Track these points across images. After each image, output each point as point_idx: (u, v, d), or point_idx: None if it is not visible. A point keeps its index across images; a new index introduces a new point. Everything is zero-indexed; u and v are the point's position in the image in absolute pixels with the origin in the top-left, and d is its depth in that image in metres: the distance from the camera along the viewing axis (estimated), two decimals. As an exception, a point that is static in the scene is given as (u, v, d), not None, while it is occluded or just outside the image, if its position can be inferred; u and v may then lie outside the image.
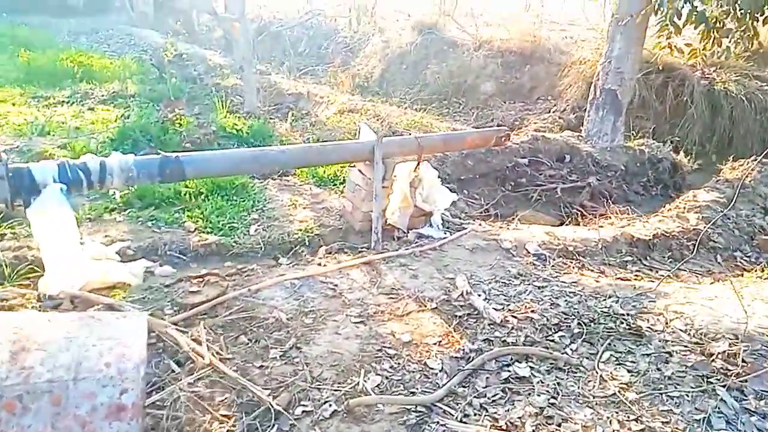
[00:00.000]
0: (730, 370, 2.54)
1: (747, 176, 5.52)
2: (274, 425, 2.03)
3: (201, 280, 3.05)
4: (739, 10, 5.11)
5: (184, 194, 4.15)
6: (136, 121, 5.77)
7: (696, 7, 5.52)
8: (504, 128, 4.51)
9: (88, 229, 3.57)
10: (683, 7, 5.60)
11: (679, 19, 5.40)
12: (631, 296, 3.26)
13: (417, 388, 2.36)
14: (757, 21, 5.28)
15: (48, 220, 2.55)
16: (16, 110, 6.75)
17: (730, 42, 5.97)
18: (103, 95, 7.93)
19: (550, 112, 8.97)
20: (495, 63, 10.35)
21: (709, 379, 2.51)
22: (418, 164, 4.02)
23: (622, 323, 2.94)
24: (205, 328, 2.58)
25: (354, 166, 4.05)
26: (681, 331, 2.88)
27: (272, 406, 2.06)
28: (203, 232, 3.68)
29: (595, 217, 5.52)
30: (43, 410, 1.43)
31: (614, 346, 2.76)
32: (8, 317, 1.70)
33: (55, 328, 1.65)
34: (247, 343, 2.53)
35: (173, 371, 2.27)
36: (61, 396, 1.45)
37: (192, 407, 2.06)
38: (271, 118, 7.66)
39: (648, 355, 2.70)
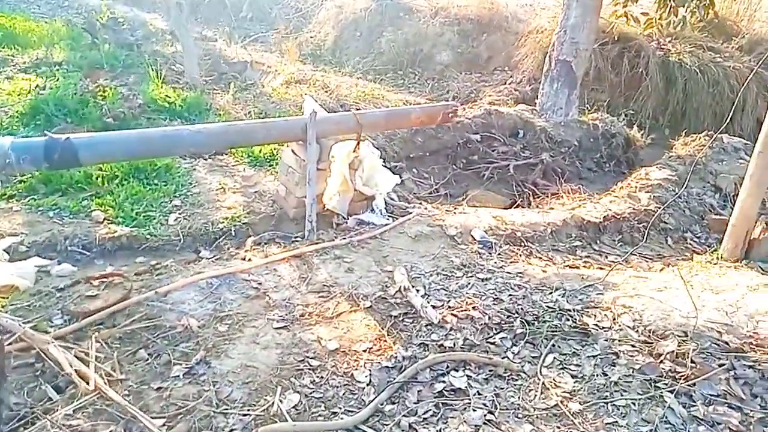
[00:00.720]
0: (678, 373, 2.38)
1: (700, 153, 5.42)
2: (164, 465, 1.73)
3: (102, 281, 2.68)
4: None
5: (96, 178, 3.71)
6: (52, 93, 5.20)
7: (652, -25, 5.32)
8: (451, 104, 4.21)
9: (-24, 221, 3.13)
10: (640, -25, 5.39)
11: (636, -13, 5.19)
12: (578, 288, 3.07)
13: (340, 407, 2.10)
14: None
15: None
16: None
17: (686, 11, 5.82)
18: (25, 62, 7.18)
19: (506, 83, 8.72)
20: (452, 31, 9.99)
21: (657, 384, 2.35)
22: (358, 144, 3.70)
23: (568, 320, 2.74)
24: (98, 341, 2.24)
25: (288, 146, 3.70)
26: (629, 328, 2.71)
27: (162, 442, 1.76)
28: (114, 223, 3.29)
29: (548, 196, 5.35)
30: None
31: (559, 347, 2.56)
32: None
33: None
34: (147, 359, 2.21)
35: (51, 399, 1.93)
36: None
37: (66, 447, 1.74)
38: (213, 89, 7.13)
39: (594, 357, 2.51)
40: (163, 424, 1.87)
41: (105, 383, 1.99)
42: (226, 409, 2.00)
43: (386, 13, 10.69)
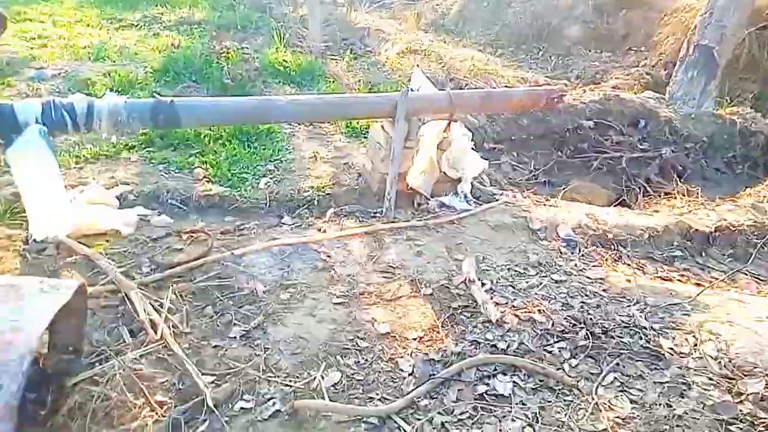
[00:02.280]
0: (759, 419, 2.12)
1: None
2: (205, 421, 1.89)
3: (190, 236, 2.93)
4: None
5: (204, 137, 4.01)
6: (181, 52, 5.65)
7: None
8: (557, 88, 3.94)
9: (98, 168, 3.53)
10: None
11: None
12: (661, 304, 2.81)
13: (377, 393, 2.14)
14: None
15: (27, 162, 2.47)
16: (88, 32, 6.81)
17: None
18: (171, 21, 7.81)
19: (638, 66, 7.98)
20: (586, 4, 9.27)
21: (729, 427, 2.11)
22: (449, 125, 3.62)
23: (641, 339, 2.54)
24: (174, 293, 2.47)
25: (378, 122, 3.72)
26: (710, 358, 2.45)
27: (206, 400, 1.92)
28: (211, 181, 3.55)
29: (660, 196, 4.89)
30: None
31: (623, 367, 2.38)
32: None
33: (-43, 301, 1.56)
34: (212, 316, 2.40)
35: (124, 342, 2.18)
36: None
37: (128, 388, 1.96)
38: (331, 55, 7.30)
39: (661, 383, 2.31)
40: (212, 382, 2.04)
41: (171, 334, 2.20)
42: (271, 376, 2.13)
43: (517, -18, 10.15)
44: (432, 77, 6.01)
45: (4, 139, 2.48)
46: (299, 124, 4.66)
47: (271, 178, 3.71)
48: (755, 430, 2.09)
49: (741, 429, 2.10)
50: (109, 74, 5.14)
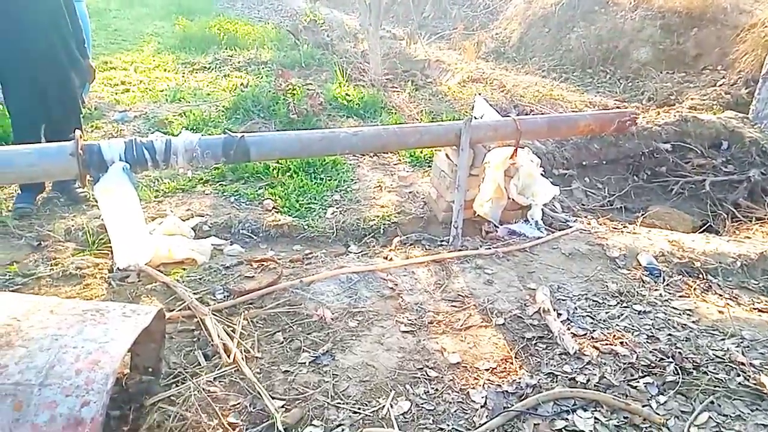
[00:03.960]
0: None
1: None
2: (275, 444, 1.88)
3: (261, 265, 2.99)
4: None
5: (273, 169, 4.14)
6: (250, 91, 5.92)
7: None
8: (629, 111, 3.78)
9: (176, 201, 3.71)
10: None
11: None
12: (761, 339, 2.56)
13: (448, 424, 2.05)
14: None
15: (112, 197, 2.63)
16: (165, 76, 7.31)
17: None
18: (239, 62, 8.26)
19: (716, 85, 7.58)
20: (653, 25, 8.98)
21: None
22: (515, 151, 3.55)
23: (739, 375, 2.31)
24: (246, 319, 2.51)
25: (442, 150, 3.70)
26: (823, 399, 2.19)
27: (276, 424, 1.91)
28: (280, 212, 3.63)
29: (751, 221, 4.55)
30: (3, 413, 1.41)
31: (719, 405, 2.17)
32: (15, 303, 1.73)
33: (51, 322, 1.64)
34: (282, 342, 2.41)
35: (199, 364, 2.23)
36: (23, 402, 1.42)
37: (202, 408, 1.99)
38: (393, 87, 7.45)
39: (764, 426, 2.08)
40: (282, 406, 2.03)
41: (243, 358, 2.23)
42: (339, 403, 2.09)
43: (579, 7, 10.01)
44: (495, 105, 5.97)
45: (92, 176, 2.65)
46: (363, 156, 4.73)
47: (337, 208, 3.75)
48: None
49: None
50: (185, 114, 5.45)
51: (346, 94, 6.16)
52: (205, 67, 8.02)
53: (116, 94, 6.30)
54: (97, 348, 1.58)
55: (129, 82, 6.82)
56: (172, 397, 2.03)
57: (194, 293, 2.66)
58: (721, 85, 7.44)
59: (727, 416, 2.12)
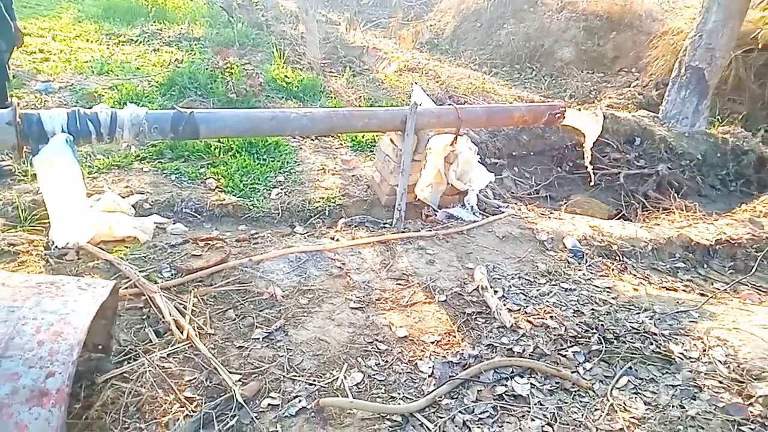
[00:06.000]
0: (768, 419, 2.19)
1: None
2: (235, 416, 1.92)
3: (207, 243, 2.97)
4: None
5: (214, 148, 4.07)
6: (186, 68, 5.74)
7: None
8: (558, 105, 4.07)
9: (113, 177, 3.57)
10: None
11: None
12: (669, 312, 2.89)
13: (399, 393, 2.18)
14: None
15: (53, 170, 2.52)
16: (88, 47, 6.88)
17: None
18: (170, 36, 7.91)
19: (630, 86, 8.21)
20: (577, 27, 9.55)
21: (740, 427, 2.18)
22: (456, 138, 3.72)
23: (652, 344, 2.61)
24: (195, 297, 2.50)
25: (386, 135, 3.81)
26: (719, 362, 2.52)
27: (235, 396, 1.96)
28: (223, 191, 3.60)
29: (658, 211, 5.02)
30: (-39, 387, 1.37)
31: (636, 370, 2.45)
32: (-35, 278, 1.66)
33: (6, 295, 1.60)
34: (234, 319, 2.44)
35: (150, 341, 2.21)
36: (-18, 375, 1.39)
37: (157, 384, 1.99)
38: (330, 72, 7.44)
39: (673, 386, 2.37)
40: (239, 380, 2.07)
41: (196, 335, 2.23)
42: (295, 376, 2.17)
43: (509, 5, 10.44)
44: (431, 95, 6.15)
45: (31, 147, 2.52)
46: (305, 139, 4.74)
47: (281, 189, 3.77)
48: (766, 430, 2.16)
49: (752, 429, 2.17)
50: (116, 87, 5.20)
51: (286, 76, 6.11)
52: (132, 40, 7.61)
53: (35, 62, 5.87)
54: (58, 319, 1.55)
55: (48, 51, 6.37)
56: (125, 374, 2.02)
57: (140, 271, 2.61)
58: (634, 86, 8.06)
59: (643, 379, 2.40)
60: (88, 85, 5.24)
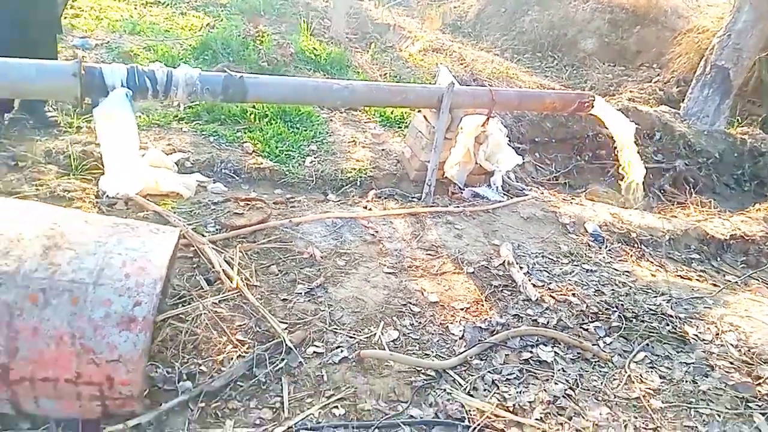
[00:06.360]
0: (775, 399, 2.34)
1: None
2: (283, 360, 2.07)
3: (247, 203, 3.10)
4: None
5: (250, 114, 4.18)
6: (219, 33, 5.81)
7: None
8: (588, 94, 4.15)
9: (154, 134, 3.69)
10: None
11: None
12: (685, 298, 3.03)
13: (432, 351, 2.33)
14: None
15: (111, 122, 2.64)
16: (115, 5, 6.93)
17: None
18: (196, 1, 7.95)
19: (651, 81, 8.25)
20: (602, 18, 9.53)
21: (748, 404, 2.33)
22: (488, 119, 3.81)
23: (668, 325, 2.75)
24: (240, 251, 2.64)
25: (419, 111, 3.91)
26: (731, 345, 2.67)
27: (285, 341, 2.10)
28: (260, 155, 3.72)
29: (674, 205, 5.13)
30: (62, 307, 1.51)
31: (652, 347, 2.60)
32: (50, 211, 1.79)
33: (89, 231, 1.72)
34: (277, 274, 2.58)
35: (202, 288, 2.36)
36: (79, 297, 1.53)
37: (211, 326, 2.14)
38: (353, 47, 7.49)
39: (687, 364, 2.53)
40: (285, 329, 2.22)
41: (244, 285, 2.38)
42: (336, 329, 2.31)
43: (535, -9, 10.39)
44: (456, 76, 6.22)
45: (92, 99, 2.64)
46: (334, 111, 4.84)
47: (315, 158, 3.89)
48: (771, 407, 2.31)
49: (759, 406, 2.32)
50: (150, 48, 5.28)
51: (314, 48, 6.18)
52: (158, 2, 7.64)
53: (66, 18, 5.94)
54: (141, 256, 1.69)
55: (78, 7, 6.43)
56: (181, 315, 2.16)
57: (188, 224, 2.75)
58: (656, 82, 8.10)
59: (659, 356, 2.55)
60: (122, 44, 5.32)
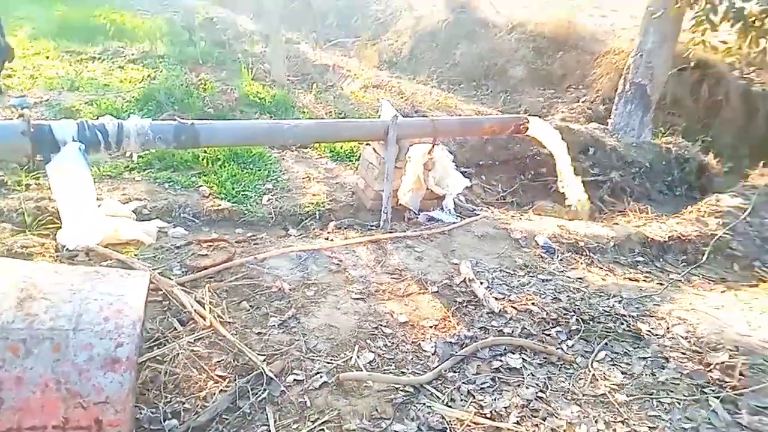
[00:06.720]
0: (726, 382, 2.53)
1: (775, 184, 5.37)
2: (265, 390, 2.10)
3: (210, 244, 3.12)
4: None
5: (202, 159, 4.21)
6: (161, 83, 5.84)
7: (734, 3, 5.31)
8: (523, 116, 4.45)
9: (108, 186, 3.66)
10: (721, 2, 5.38)
11: (716, 15, 5.21)
12: (635, 297, 3.24)
13: (408, 369, 2.40)
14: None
15: (66, 177, 2.63)
16: (49, 63, 6.84)
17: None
18: (133, 54, 7.92)
19: (579, 101, 8.80)
20: (527, 47, 10.14)
21: (703, 389, 2.50)
22: (433, 147, 4.01)
23: (622, 324, 2.93)
24: (209, 291, 2.65)
25: (368, 144, 4.06)
26: (681, 337, 2.87)
27: (265, 372, 2.13)
28: (217, 198, 3.75)
29: (614, 213, 5.47)
30: (44, 355, 1.50)
31: (611, 346, 2.76)
32: (19, 265, 1.78)
33: (61, 280, 1.73)
34: (249, 309, 2.60)
35: (175, 329, 2.36)
36: (60, 344, 1.53)
37: (190, 365, 2.14)
38: (295, 88, 7.65)
39: (644, 358, 2.70)
40: (263, 360, 2.24)
41: (218, 322, 2.39)
42: (313, 356, 2.36)
43: (463, 26, 10.97)
44: (398, 109, 6.47)
45: (44, 155, 2.63)
46: (284, 150, 4.94)
47: (272, 195, 3.95)
48: (723, 390, 2.49)
49: (713, 390, 2.50)
50: (92, 103, 5.25)
51: (257, 92, 6.29)
52: (94, 58, 7.59)
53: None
54: (116, 299, 1.71)
55: (9, 67, 6.30)
56: (158, 357, 2.16)
57: (152, 269, 2.74)
58: (583, 102, 8.66)
59: (618, 353, 2.71)
60: (62, 101, 5.27)
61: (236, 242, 3.25)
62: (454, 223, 4.00)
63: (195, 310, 2.40)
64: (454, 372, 2.44)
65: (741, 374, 2.54)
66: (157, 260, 2.90)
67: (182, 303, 2.44)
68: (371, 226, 3.83)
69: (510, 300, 3.08)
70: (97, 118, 3.02)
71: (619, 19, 11.18)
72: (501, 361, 2.55)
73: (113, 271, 1.92)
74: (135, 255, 2.88)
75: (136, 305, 1.70)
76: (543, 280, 3.36)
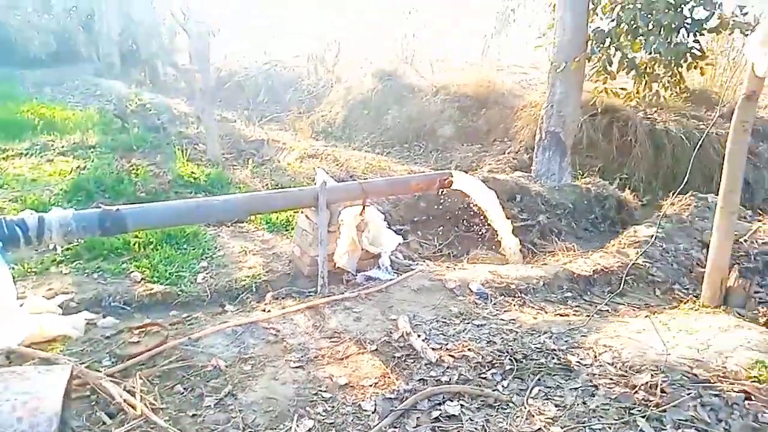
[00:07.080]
0: (650, 401, 2.66)
1: (684, 211, 5.81)
2: (201, 475, 2.06)
3: (142, 330, 3.07)
4: (664, 57, 5.53)
5: (134, 244, 4.19)
6: (91, 173, 5.82)
7: (626, 54, 5.94)
8: (447, 172, 4.70)
9: (32, 283, 3.58)
10: (615, 54, 6.01)
11: (611, 65, 5.80)
12: (564, 331, 3.39)
13: (348, 431, 2.41)
14: (681, 67, 5.71)
15: (-17, 276, 2.58)
16: (-28, 163, 6.71)
17: (659, 86, 6.38)
18: (63, 146, 7.88)
19: (504, 153, 9.31)
20: (452, 107, 10.73)
21: (631, 411, 2.63)
22: (363, 209, 4.16)
23: (554, 358, 3.06)
24: (141, 378, 2.60)
25: (302, 212, 4.17)
26: (608, 364, 3.02)
27: (198, 456, 2.09)
28: (150, 282, 3.72)
29: (545, 254, 5.72)
30: (-49, 467, 1.46)
31: (544, 381, 2.87)
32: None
33: (-28, 385, 1.69)
34: (183, 392, 2.56)
35: (104, 423, 2.29)
36: (-30, 452, 1.49)
37: (119, 460, 2.08)
38: (232, 165, 7.77)
39: (575, 389, 2.81)
40: (199, 443, 2.21)
41: (149, 410, 2.34)
42: (251, 431, 2.33)
43: (391, 93, 11.54)
44: (333, 176, 6.67)
45: (-42, 253, 2.59)
46: (221, 226, 4.97)
47: (207, 273, 3.95)
48: (648, 408, 2.63)
49: (639, 411, 2.63)
50: (18, 199, 5.16)
51: (192, 173, 6.35)
52: (21, 153, 7.51)
53: None
54: (31, 397, 1.68)
55: (-74, 168, 6.16)
56: (86, 455, 2.09)
57: (79, 363, 2.67)
58: (508, 153, 9.16)
59: (551, 387, 2.82)
60: (-15, 200, 5.15)
61: (170, 325, 3.21)
62: (391, 279, 4.10)
63: (125, 400, 2.35)
64: (395, 428, 2.47)
65: (662, 391, 2.69)
66: (85, 353, 2.82)
67: (111, 394, 2.38)
68: (309, 292, 3.88)
69: (447, 348, 3.16)
70: (19, 213, 3.02)
71: (537, 75, 12.09)
72: (440, 410, 2.60)
73: (31, 369, 1.90)
74: (61, 351, 2.81)
75: (53, 399, 1.68)
76: (478, 326, 3.48)
